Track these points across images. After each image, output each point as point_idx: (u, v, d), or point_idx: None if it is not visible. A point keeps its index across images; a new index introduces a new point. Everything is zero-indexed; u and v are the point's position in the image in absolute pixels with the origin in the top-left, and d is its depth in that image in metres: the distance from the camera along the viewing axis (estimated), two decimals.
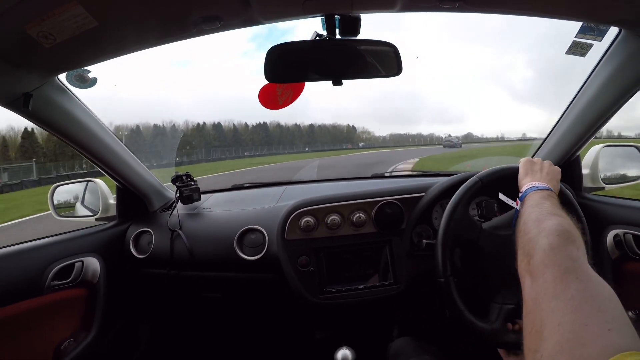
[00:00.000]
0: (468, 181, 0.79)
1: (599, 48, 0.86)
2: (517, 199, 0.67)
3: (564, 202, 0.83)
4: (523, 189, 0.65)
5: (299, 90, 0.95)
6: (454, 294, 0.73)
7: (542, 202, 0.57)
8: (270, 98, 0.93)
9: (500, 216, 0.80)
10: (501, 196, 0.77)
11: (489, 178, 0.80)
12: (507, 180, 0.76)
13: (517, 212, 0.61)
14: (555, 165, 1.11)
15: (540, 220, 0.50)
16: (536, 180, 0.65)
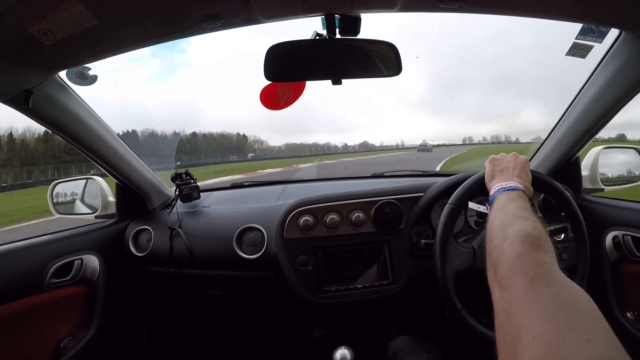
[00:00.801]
0: (472, 177, 0.79)
1: (598, 50, 0.86)
2: (487, 204, 0.66)
3: (560, 205, 0.83)
4: (491, 192, 0.63)
5: (300, 90, 0.94)
6: (452, 294, 0.74)
7: (507, 205, 0.54)
8: (272, 98, 0.93)
9: None
10: (471, 204, 0.77)
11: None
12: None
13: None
14: (554, 166, 1.12)
15: (504, 226, 0.47)
16: (503, 180, 0.64)
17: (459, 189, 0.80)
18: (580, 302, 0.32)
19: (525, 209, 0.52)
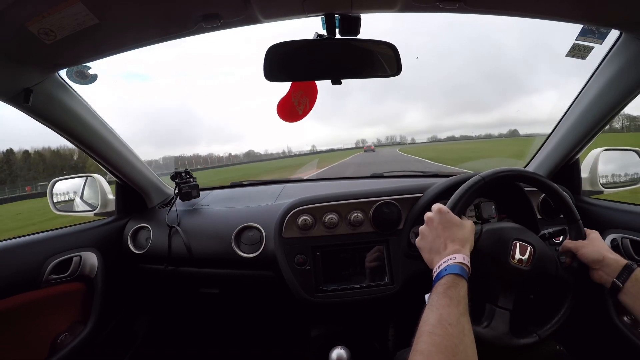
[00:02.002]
0: (470, 179, 0.78)
1: (599, 51, 0.86)
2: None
3: (559, 207, 0.83)
4: (433, 275, 0.61)
5: (314, 95, 0.92)
6: None
7: (426, 321, 0.53)
8: (289, 111, 0.91)
9: (500, 221, 0.80)
10: (427, 297, 0.76)
11: (491, 178, 0.78)
12: (510, 179, 0.76)
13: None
14: (554, 168, 1.11)
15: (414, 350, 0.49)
16: (437, 261, 0.61)
17: (495, 169, 0.78)
18: None
19: (440, 322, 0.51)
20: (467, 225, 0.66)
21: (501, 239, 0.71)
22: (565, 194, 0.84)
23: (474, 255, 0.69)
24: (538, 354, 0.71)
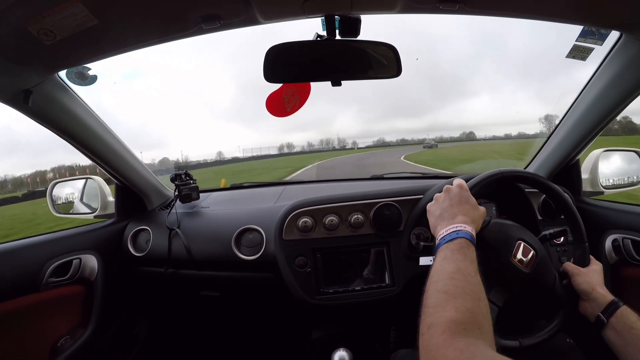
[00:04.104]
0: (490, 171, 0.77)
1: (599, 52, 0.86)
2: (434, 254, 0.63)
3: (559, 208, 0.83)
4: (436, 241, 0.61)
5: (306, 95, 0.93)
6: None
7: (443, 267, 0.52)
8: (278, 105, 0.92)
9: (504, 219, 0.80)
10: (422, 260, 0.75)
11: (509, 174, 0.78)
12: (526, 182, 0.77)
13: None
14: (554, 169, 1.11)
15: (432, 309, 0.46)
16: (444, 227, 0.60)
17: (477, 177, 0.77)
18: None
19: (459, 271, 0.50)
20: (480, 210, 0.66)
21: (507, 234, 0.71)
22: (566, 194, 0.83)
23: (477, 242, 0.69)
24: (547, 346, 0.70)
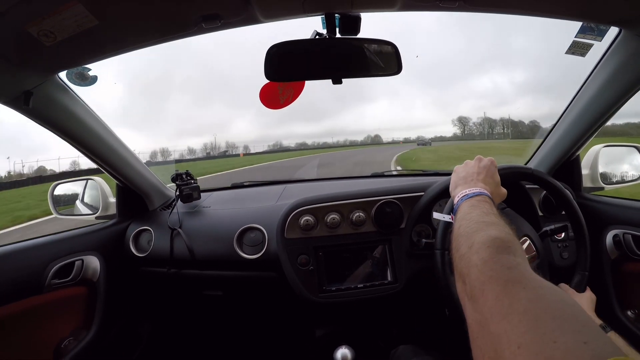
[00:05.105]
0: (521, 167, 0.80)
1: (598, 48, 0.86)
2: (452, 214, 0.64)
3: (560, 204, 0.84)
4: (455, 200, 0.61)
5: (300, 89, 0.94)
6: (445, 265, 0.75)
7: (470, 212, 0.52)
8: (272, 97, 0.93)
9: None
10: (435, 215, 0.76)
11: (538, 175, 0.81)
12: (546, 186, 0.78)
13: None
14: (555, 165, 1.12)
15: (468, 234, 0.45)
16: (466, 188, 0.61)
17: (507, 164, 0.79)
18: (564, 302, 0.29)
19: (489, 214, 0.50)
20: (502, 190, 0.67)
21: (517, 227, 0.71)
22: (566, 190, 0.84)
23: None
24: None
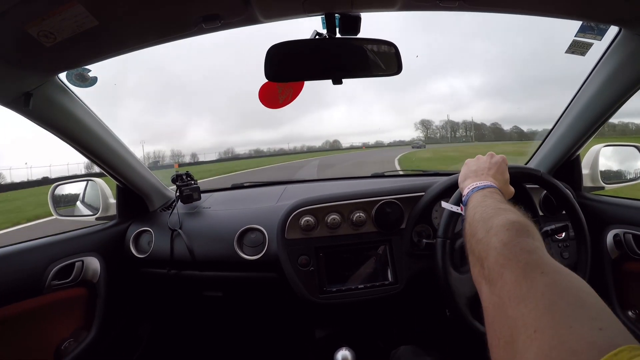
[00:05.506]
0: (531, 169, 0.80)
1: (598, 47, 0.86)
2: (461, 205, 0.65)
3: (560, 203, 0.84)
4: (464, 192, 0.62)
5: (299, 89, 0.94)
6: (446, 255, 0.75)
7: (484, 201, 0.53)
8: (271, 97, 0.93)
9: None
10: (443, 204, 0.76)
11: (546, 178, 0.82)
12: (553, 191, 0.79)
13: (463, 217, 0.57)
14: (555, 164, 1.12)
15: (485, 219, 0.45)
16: (477, 180, 0.62)
17: (517, 165, 0.81)
18: (580, 289, 0.29)
19: (504, 202, 0.51)
20: (510, 188, 0.68)
21: None
22: (567, 190, 0.84)
23: None
24: None
